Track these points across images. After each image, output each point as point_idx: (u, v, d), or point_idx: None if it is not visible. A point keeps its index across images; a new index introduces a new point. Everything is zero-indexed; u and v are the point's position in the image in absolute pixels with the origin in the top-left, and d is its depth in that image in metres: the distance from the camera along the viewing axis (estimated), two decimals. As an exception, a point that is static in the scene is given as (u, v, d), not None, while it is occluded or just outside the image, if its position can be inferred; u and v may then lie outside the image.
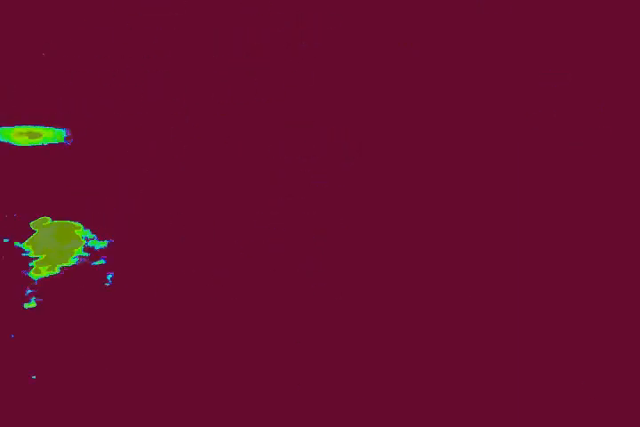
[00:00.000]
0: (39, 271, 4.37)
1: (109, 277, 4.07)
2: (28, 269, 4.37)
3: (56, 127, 4.45)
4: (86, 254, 4.09)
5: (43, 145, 4.33)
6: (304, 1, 4.54)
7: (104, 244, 3.84)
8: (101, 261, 4.42)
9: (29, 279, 4.37)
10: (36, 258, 4.36)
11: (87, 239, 3.92)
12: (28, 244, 4.16)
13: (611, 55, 4.51)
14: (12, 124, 4.44)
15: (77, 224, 3.80)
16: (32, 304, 4.09)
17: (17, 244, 4.37)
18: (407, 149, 4.54)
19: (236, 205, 4.49)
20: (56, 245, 3.78)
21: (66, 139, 3.61)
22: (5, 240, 4.35)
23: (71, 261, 4.08)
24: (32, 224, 3.72)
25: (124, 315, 4.38)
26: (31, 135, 3.75)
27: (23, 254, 4.38)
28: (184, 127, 4.54)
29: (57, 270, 4.35)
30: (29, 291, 4.36)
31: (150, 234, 4.44)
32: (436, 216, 4.50)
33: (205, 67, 4.55)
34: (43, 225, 3.68)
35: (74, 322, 4.37)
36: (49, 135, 3.84)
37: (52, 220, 4.37)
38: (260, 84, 4.55)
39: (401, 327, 4.41)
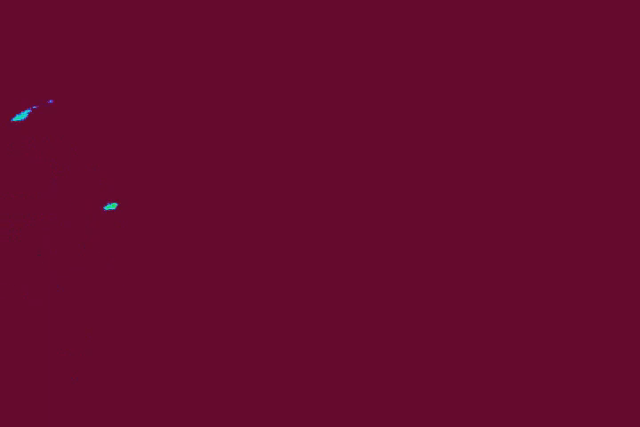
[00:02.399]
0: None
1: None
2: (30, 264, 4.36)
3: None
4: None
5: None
6: (304, 1, 4.54)
7: None
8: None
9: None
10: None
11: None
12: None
13: (611, 55, 4.50)
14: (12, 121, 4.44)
15: None
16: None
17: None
18: (408, 148, 4.53)
19: (236, 205, 4.48)
20: None
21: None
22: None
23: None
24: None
25: (123, 314, 4.37)
26: None
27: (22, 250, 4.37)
28: (184, 127, 4.53)
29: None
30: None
31: (150, 234, 4.43)
32: (437, 216, 4.49)
33: (205, 67, 4.55)
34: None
35: (73, 321, 4.36)
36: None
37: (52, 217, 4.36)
38: (259, 84, 4.54)
39: (401, 327, 4.40)
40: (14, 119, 3.69)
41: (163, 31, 4.53)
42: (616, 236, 4.42)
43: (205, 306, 4.39)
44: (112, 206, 4.07)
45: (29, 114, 4.37)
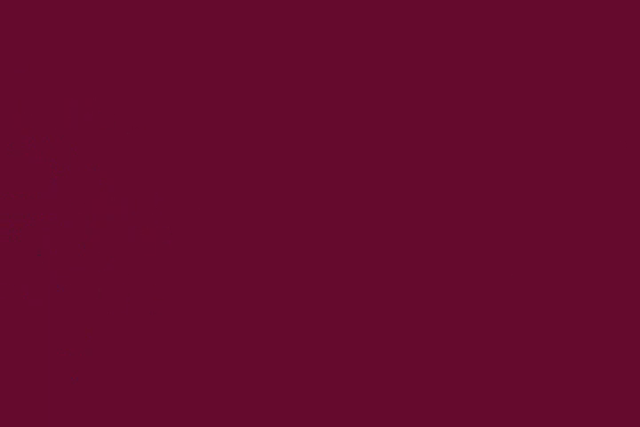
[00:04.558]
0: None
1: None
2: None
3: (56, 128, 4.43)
4: None
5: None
6: (304, 1, 4.53)
7: None
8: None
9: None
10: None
11: None
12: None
13: (610, 55, 4.50)
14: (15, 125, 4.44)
15: None
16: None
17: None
18: (408, 149, 4.52)
19: (237, 205, 4.48)
20: None
21: None
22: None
23: None
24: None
25: (121, 315, 4.37)
26: None
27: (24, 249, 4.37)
28: (184, 127, 4.53)
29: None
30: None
31: (150, 234, 4.43)
32: (436, 217, 4.48)
33: (205, 67, 4.54)
34: None
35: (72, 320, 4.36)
36: None
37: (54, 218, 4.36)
38: (259, 84, 4.54)
39: (400, 329, 4.40)
40: None
41: (163, 31, 4.53)
42: (616, 236, 4.42)
43: (206, 306, 4.39)
44: None
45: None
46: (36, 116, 4.43)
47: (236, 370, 4.33)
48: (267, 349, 4.36)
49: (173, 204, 4.44)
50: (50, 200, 4.37)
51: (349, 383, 4.34)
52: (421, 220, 4.46)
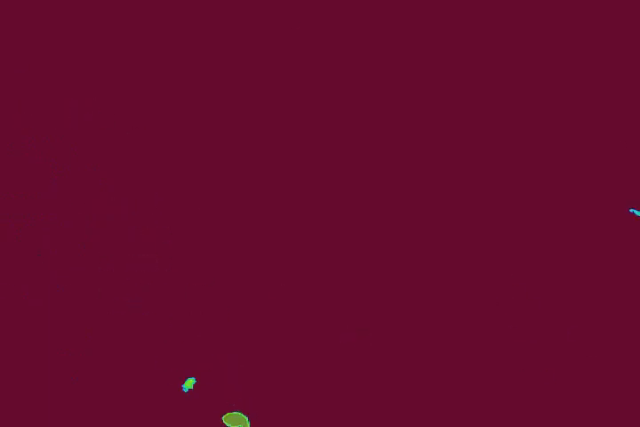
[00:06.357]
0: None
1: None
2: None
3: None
4: None
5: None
6: (304, 2, 4.54)
7: None
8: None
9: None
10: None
11: None
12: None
13: (611, 56, 4.51)
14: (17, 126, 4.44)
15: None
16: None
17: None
18: (408, 150, 4.53)
19: (238, 206, 4.49)
20: None
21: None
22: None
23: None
24: None
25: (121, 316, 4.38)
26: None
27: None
28: (185, 128, 4.54)
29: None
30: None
31: (151, 234, 4.44)
32: (436, 219, 4.49)
33: (205, 67, 4.56)
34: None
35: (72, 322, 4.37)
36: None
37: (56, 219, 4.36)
38: (259, 84, 4.55)
39: (400, 332, 4.41)
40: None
41: (163, 31, 4.54)
42: (616, 238, 4.43)
43: (207, 307, 4.40)
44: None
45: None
46: (36, 116, 4.44)
47: (236, 370, 4.34)
48: (266, 349, 4.38)
49: (174, 204, 4.45)
50: (50, 200, 4.37)
51: (349, 383, 4.35)
52: (421, 219, 4.47)
